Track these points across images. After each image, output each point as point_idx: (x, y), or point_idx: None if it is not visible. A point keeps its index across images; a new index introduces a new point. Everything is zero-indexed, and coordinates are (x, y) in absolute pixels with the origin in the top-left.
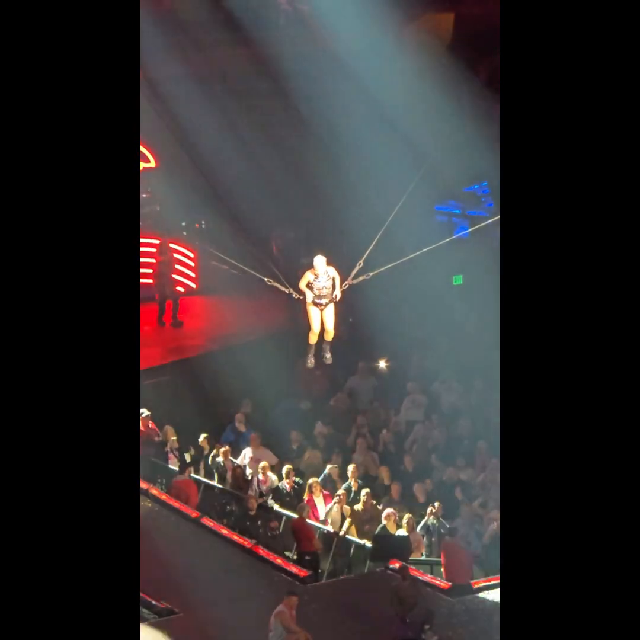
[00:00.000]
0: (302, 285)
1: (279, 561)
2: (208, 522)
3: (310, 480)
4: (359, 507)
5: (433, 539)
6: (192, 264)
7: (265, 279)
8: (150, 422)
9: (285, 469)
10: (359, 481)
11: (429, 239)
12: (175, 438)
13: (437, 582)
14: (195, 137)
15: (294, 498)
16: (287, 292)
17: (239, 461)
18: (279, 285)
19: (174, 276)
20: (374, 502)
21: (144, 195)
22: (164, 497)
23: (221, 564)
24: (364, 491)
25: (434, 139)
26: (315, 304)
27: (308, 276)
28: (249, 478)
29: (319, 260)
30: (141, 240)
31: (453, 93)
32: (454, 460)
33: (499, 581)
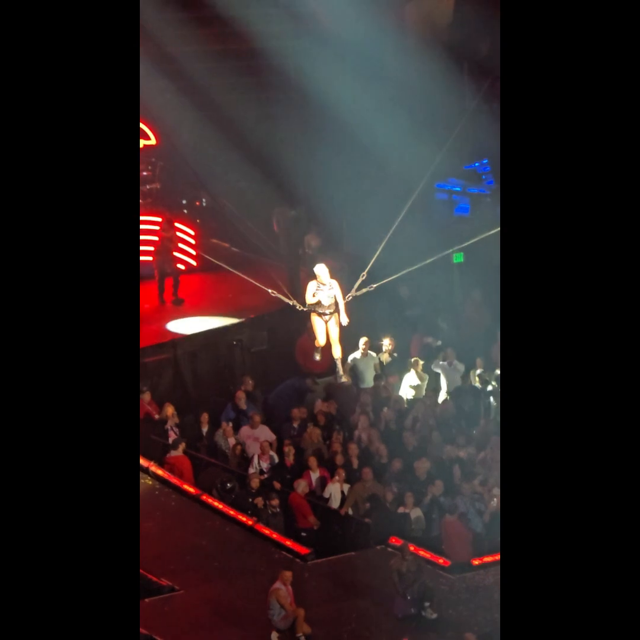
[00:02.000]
0: (308, 296)
1: (279, 538)
2: (208, 499)
3: (310, 458)
4: (359, 484)
5: (434, 517)
6: (193, 241)
7: (269, 290)
8: (149, 400)
9: (285, 446)
10: (359, 458)
11: (429, 217)
12: (175, 414)
13: (438, 559)
14: (196, 115)
15: (294, 475)
16: (291, 303)
17: (239, 439)
18: (282, 297)
19: (175, 254)
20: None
21: (145, 173)
22: (164, 474)
23: (222, 542)
24: (365, 468)
25: (434, 116)
26: (319, 315)
27: (312, 287)
28: (250, 456)
29: (322, 269)
30: (142, 218)
31: (454, 70)
32: (455, 438)
33: (499, 559)
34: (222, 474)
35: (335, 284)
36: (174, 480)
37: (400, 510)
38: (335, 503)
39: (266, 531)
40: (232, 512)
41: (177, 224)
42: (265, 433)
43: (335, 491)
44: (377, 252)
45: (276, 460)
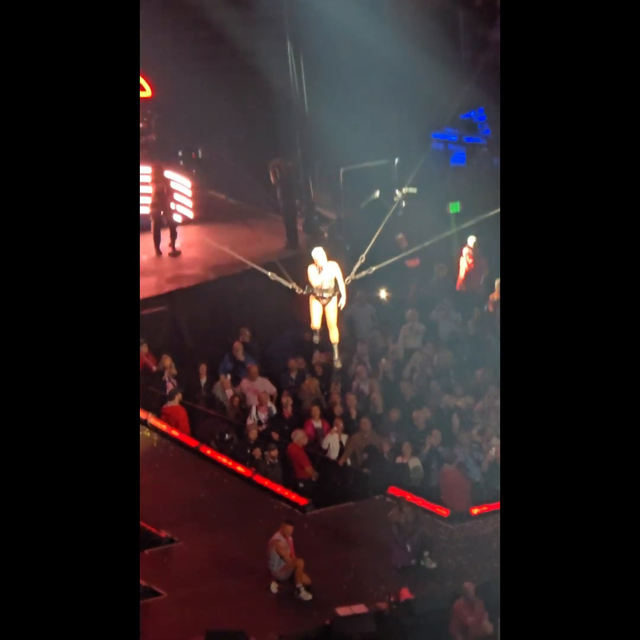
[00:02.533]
0: (310, 279)
1: (278, 489)
2: (207, 451)
3: (310, 408)
4: (357, 435)
5: (432, 467)
6: (189, 193)
7: (269, 273)
8: (147, 351)
9: (283, 397)
10: (357, 409)
11: (426, 167)
12: (172, 365)
13: (437, 509)
14: (192, 66)
15: (292, 426)
16: (291, 287)
17: (238, 391)
18: (282, 280)
19: (171, 205)
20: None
21: (140, 125)
22: (162, 426)
23: (220, 493)
24: (363, 419)
25: (430, 67)
26: (318, 298)
27: (311, 271)
28: (248, 407)
29: (319, 253)
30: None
31: (449, 20)
32: (453, 388)
33: (497, 508)
34: (221, 425)
35: (335, 266)
36: (173, 431)
37: (399, 460)
38: (333, 454)
39: (265, 482)
40: (230, 463)
41: (168, 173)
42: (265, 385)
43: (333, 442)
44: (375, 237)
45: (274, 411)
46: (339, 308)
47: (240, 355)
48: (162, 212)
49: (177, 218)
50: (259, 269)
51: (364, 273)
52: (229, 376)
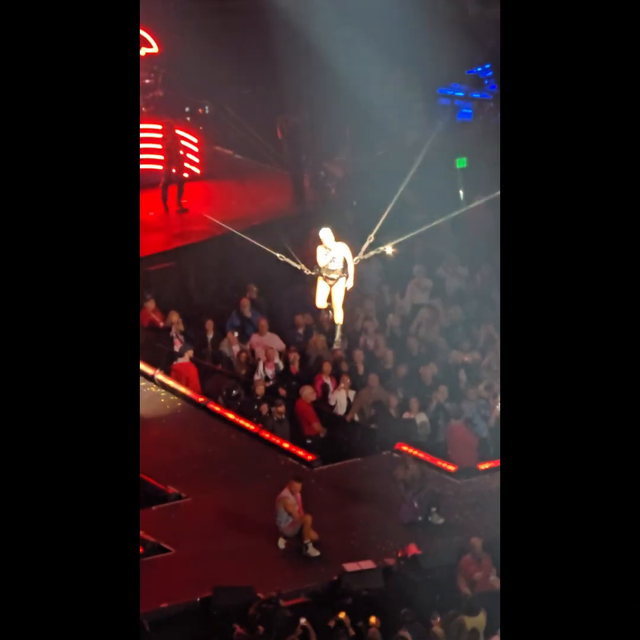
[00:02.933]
0: (318, 260)
1: (285, 445)
2: (214, 406)
3: (320, 364)
4: (364, 391)
5: (439, 423)
6: (196, 149)
7: (278, 255)
8: (154, 308)
9: (291, 353)
10: (364, 365)
11: (432, 122)
12: (180, 321)
13: (444, 464)
14: (198, 22)
15: (300, 382)
16: (299, 268)
17: (245, 347)
18: (290, 261)
19: (181, 162)
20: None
21: (147, 81)
22: (170, 382)
23: (227, 449)
24: (370, 375)
25: (436, 22)
26: (325, 279)
27: (320, 251)
28: (255, 363)
29: (326, 234)
30: (145, 126)
31: None
32: (460, 344)
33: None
34: (228, 381)
35: (344, 246)
36: (180, 387)
37: (406, 416)
38: (340, 410)
39: (272, 438)
40: (237, 419)
41: (178, 131)
42: (274, 340)
43: (340, 398)
44: (386, 212)
45: (281, 367)
46: (346, 289)
47: (248, 312)
48: (173, 169)
49: (184, 174)
50: (268, 250)
51: (372, 253)
52: (236, 333)
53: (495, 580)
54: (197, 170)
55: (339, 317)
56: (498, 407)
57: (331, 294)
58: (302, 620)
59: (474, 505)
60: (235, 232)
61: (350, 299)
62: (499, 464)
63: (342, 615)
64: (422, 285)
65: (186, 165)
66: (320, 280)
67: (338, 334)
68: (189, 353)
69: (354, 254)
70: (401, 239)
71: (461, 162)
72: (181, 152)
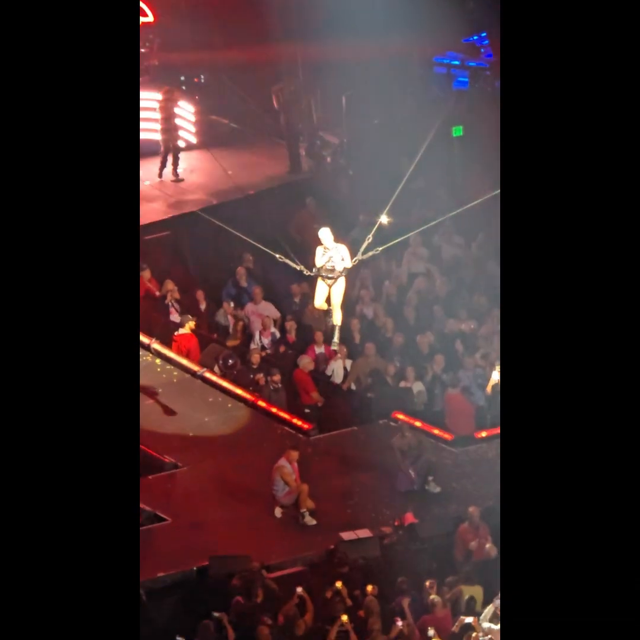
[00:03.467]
0: (317, 263)
1: (282, 414)
2: (211, 376)
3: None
4: (361, 360)
5: (436, 392)
6: (192, 118)
7: (277, 255)
8: (150, 277)
9: (287, 322)
10: (361, 333)
11: (428, 91)
12: (175, 290)
13: (441, 433)
14: None
15: (297, 351)
16: (298, 268)
17: (241, 315)
18: (289, 262)
19: (175, 130)
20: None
21: (143, 50)
22: (166, 351)
23: (224, 418)
24: (367, 344)
25: None
26: (323, 279)
27: (318, 252)
28: (252, 332)
29: (325, 233)
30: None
31: None
32: (456, 312)
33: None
34: (224, 350)
35: (343, 248)
36: (176, 356)
37: (402, 384)
38: (337, 379)
39: (268, 407)
40: (234, 388)
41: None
42: (269, 309)
43: (337, 367)
44: (385, 211)
45: (278, 336)
46: (346, 289)
47: (243, 281)
48: (170, 137)
49: (180, 143)
50: (266, 250)
51: (371, 253)
52: (232, 302)
53: (491, 549)
54: (193, 139)
55: (337, 318)
56: (494, 375)
57: (330, 295)
58: (299, 589)
59: (471, 474)
60: (254, 243)
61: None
62: (496, 432)
63: (338, 584)
64: (419, 254)
65: (181, 133)
66: (319, 281)
67: (337, 334)
68: (190, 324)
69: (352, 253)
70: (395, 241)
71: (457, 131)
72: (177, 121)
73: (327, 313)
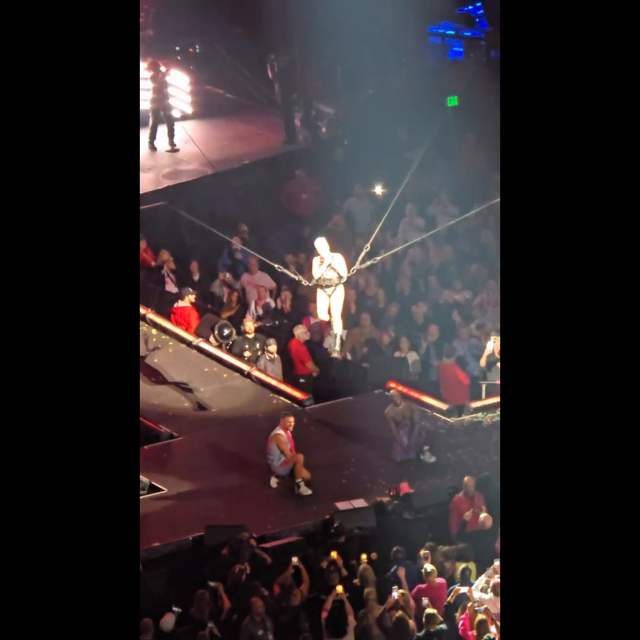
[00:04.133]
0: (315, 274)
1: (277, 384)
2: (206, 346)
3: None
4: (356, 329)
5: (431, 362)
6: (187, 88)
7: (276, 265)
8: (145, 247)
9: (282, 292)
10: (356, 304)
11: (423, 61)
12: (171, 260)
13: (436, 403)
14: None
15: (292, 321)
16: (297, 279)
17: (237, 285)
18: (288, 272)
19: (170, 101)
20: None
21: None
22: (162, 321)
23: (220, 388)
24: (362, 314)
25: None
26: (322, 288)
27: (315, 262)
28: (248, 302)
29: (321, 243)
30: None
31: None
32: (451, 283)
33: (495, 401)
34: (220, 320)
35: (339, 257)
36: (172, 327)
37: (397, 354)
38: (332, 348)
39: (264, 377)
40: (229, 358)
41: (163, 69)
42: (265, 279)
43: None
44: (381, 222)
45: (273, 306)
46: (345, 297)
47: (239, 251)
48: (159, 107)
49: (175, 113)
50: (267, 261)
51: (368, 263)
52: (227, 272)
53: (486, 519)
54: (188, 109)
55: (337, 327)
56: (489, 346)
57: (330, 304)
58: (294, 560)
59: (466, 444)
60: (262, 258)
61: (342, 238)
62: (491, 402)
63: (333, 555)
64: (414, 224)
65: (176, 103)
66: (319, 291)
67: (337, 343)
68: (189, 297)
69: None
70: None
71: (452, 101)
72: (168, 90)
73: (328, 322)
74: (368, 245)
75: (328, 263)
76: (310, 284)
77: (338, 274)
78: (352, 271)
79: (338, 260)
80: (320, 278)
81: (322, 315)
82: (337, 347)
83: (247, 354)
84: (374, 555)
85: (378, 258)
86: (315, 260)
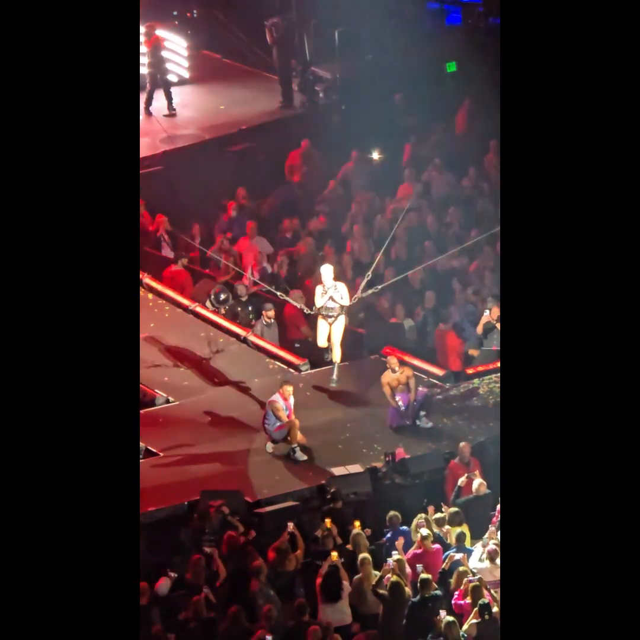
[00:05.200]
0: (317, 300)
1: (273, 349)
2: (203, 310)
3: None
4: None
5: (428, 329)
6: (185, 53)
7: (278, 293)
8: (143, 212)
9: (279, 257)
10: (353, 270)
11: (421, 27)
12: (167, 223)
13: (432, 368)
14: None
15: (288, 286)
16: (299, 307)
17: (234, 250)
18: (291, 301)
19: (167, 65)
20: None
21: None
22: (158, 285)
23: (216, 353)
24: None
25: None
26: (324, 317)
27: (318, 291)
28: (243, 266)
29: (326, 270)
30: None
31: None
32: (447, 248)
33: (491, 368)
34: (216, 285)
35: (342, 286)
36: (168, 291)
37: (393, 320)
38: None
39: (260, 342)
40: (225, 323)
41: (164, 33)
42: (262, 244)
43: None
44: (382, 250)
45: (269, 270)
46: (346, 326)
47: (235, 216)
48: (156, 72)
49: (172, 78)
50: (266, 286)
51: (371, 291)
52: (225, 236)
53: (481, 486)
54: (185, 74)
55: (337, 355)
56: (486, 312)
57: (331, 332)
58: (290, 526)
59: (462, 410)
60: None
61: (338, 203)
62: (486, 368)
63: (327, 523)
64: (411, 189)
65: (174, 68)
66: (319, 320)
67: (336, 372)
68: (183, 261)
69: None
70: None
71: (451, 66)
72: (169, 56)
73: (327, 350)
74: (369, 273)
75: (330, 296)
76: (312, 313)
77: (340, 305)
78: (354, 299)
79: (341, 290)
80: (322, 307)
81: (322, 342)
82: (335, 376)
83: (241, 317)
84: (368, 531)
85: (379, 287)
86: (318, 289)
